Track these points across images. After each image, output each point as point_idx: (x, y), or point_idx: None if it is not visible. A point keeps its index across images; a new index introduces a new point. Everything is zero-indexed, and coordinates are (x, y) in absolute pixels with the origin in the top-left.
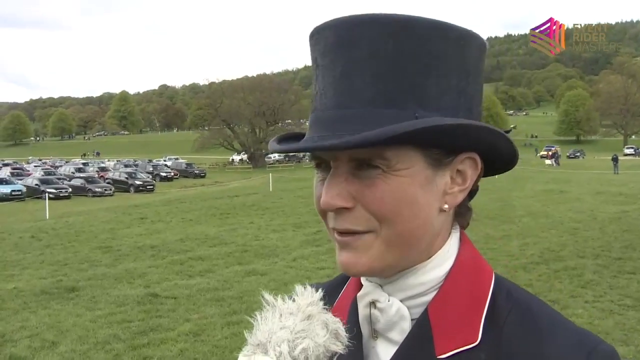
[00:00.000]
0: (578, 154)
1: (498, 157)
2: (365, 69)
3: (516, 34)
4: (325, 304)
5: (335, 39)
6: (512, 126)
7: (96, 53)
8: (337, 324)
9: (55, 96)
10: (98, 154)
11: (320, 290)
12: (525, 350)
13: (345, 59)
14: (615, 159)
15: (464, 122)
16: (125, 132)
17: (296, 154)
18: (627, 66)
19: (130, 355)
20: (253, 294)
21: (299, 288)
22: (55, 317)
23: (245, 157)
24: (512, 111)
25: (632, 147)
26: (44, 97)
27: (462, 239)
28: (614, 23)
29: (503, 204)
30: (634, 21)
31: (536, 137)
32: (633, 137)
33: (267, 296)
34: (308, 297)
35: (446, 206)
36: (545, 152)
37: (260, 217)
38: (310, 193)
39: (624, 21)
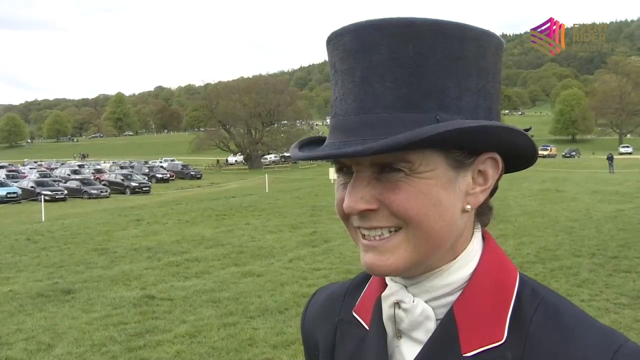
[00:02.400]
0: (573, 153)
1: (518, 155)
2: (386, 73)
3: (511, 34)
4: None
5: (354, 44)
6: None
7: (91, 55)
8: None
9: (51, 98)
10: (84, 156)
11: None
12: (551, 348)
13: (364, 64)
14: (610, 158)
15: (485, 123)
16: (130, 133)
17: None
18: (622, 65)
19: (127, 357)
20: (249, 295)
21: None
22: (51, 319)
23: (239, 158)
24: (507, 111)
25: (628, 146)
26: (39, 99)
27: (486, 238)
28: (608, 22)
29: (499, 203)
30: (629, 20)
31: (532, 136)
32: (628, 136)
33: None
34: None
35: (468, 206)
36: (541, 152)
37: (257, 218)
38: (305, 194)
39: (618, 20)
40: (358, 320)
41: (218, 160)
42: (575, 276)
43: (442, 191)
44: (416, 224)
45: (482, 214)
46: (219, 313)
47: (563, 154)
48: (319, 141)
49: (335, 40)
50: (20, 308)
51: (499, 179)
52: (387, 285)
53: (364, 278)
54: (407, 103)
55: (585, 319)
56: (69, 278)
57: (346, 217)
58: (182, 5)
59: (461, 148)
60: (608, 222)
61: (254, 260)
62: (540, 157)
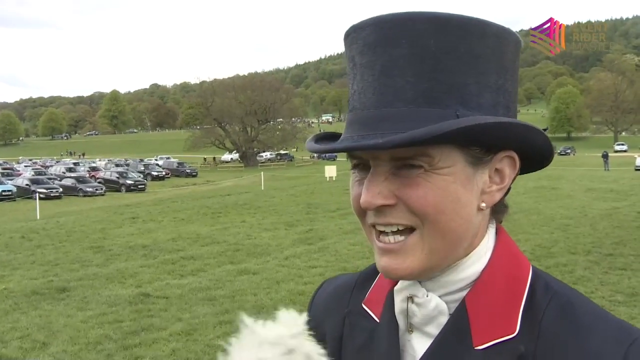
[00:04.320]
0: (569, 150)
1: (535, 154)
2: (406, 67)
3: None
4: (310, 330)
5: (374, 38)
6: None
7: (87, 52)
8: (321, 358)
9: (46, 95)
10: (71, 153)
11: (304, 315)
12: (564, 341)
13: (385, 58)
14: (605, 156)
15: (505, 120)
16: (134, 131)
17: (287, 153)
18: (617, 63)
19: (122, 355)
20: (245, 293)
21: (282, 314)
22: (46, 317)
23: (235, 156)
24: None
25: (623, 144)
26: (34, 96)
27: (500, 233)
28: (604, 20)
29: None
30: (624, 18)
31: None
32: (623, 133)
33: (247, 320)
34: (291, 327)
35: (484, 205)
36: None
37: (252, 216)
38: (301, 192)
39: (613, 18)
40: (368, 312)
41: (205, 159)
42: (571, 274)
43: (460, 188)
44: (433, 221)
45: (498, 211)
46: (215, 311)
47: (558, 151)
48: (334, 136)
49: (355, 34)
50: (15, 306)
51: (514, 179)
52: None
53: (375, 270)
54: (428, 98)
55: (599, 312)
56: (64, 276)
57: (362, 213)
58: (178, 2)
59: (480, 145)
60: (603, 220)
61: (249, 258)
62: None
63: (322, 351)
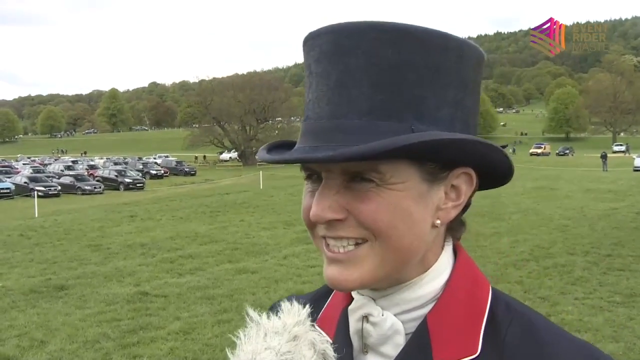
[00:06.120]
0: (567, 151)
1: (493, 171)
2: (362, 78)
3: (506, 32)
4: (312, 321)
5: (330, 47)
6: (503, 125)
7: (85, 50)
8: (325, 344)
9: (44, 94)
10: (64, 151)
11: (307, 306)
12: (529, 358)
13: (341, 68)
14: (604, 157)
15: (460, 136)
16: (145, 128)
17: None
18: (616, 64)
19: (120, 354)
20: (243, 292)
21: (285, 305)
22: (44, 316)
23: (233, 155)
24: (501, 109)
25: (621, 145)
26: (33, 94)
27: (458, 252)
28: (602, 21)
29: (493, 201)
30: (622, 19)
31: (526, 134)
32: (622, 134)
33: (252, 313)
34: (295, 316)
35: (438, 222)
36: (535, 150)
37: (251, 215)
38: (299, 190)
39: (612, 19)
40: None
41: (196, 157)
42: (569, 274)
43: (413, 204)
44: (384, 237)
45: (454, 229)
46: (213, 310)
47: (557, 152)
48: (289, 145)
49: (312, 42)
50: (13, 304)
51: (472, 196)
52: (352, 297)
53: (328, 289)
54: (383, 110)
55: (562, 332)
56: (62, 274)
57: (312, 225)
58: (178, 1)
59: (435, 161)
60: (602, 220)
61: (248, 257)
62: (534, 154)
63: (325, 338)
